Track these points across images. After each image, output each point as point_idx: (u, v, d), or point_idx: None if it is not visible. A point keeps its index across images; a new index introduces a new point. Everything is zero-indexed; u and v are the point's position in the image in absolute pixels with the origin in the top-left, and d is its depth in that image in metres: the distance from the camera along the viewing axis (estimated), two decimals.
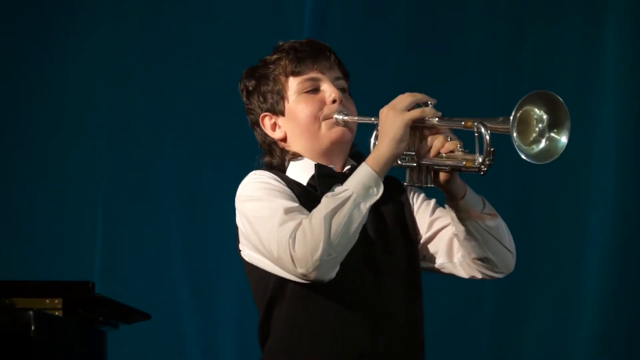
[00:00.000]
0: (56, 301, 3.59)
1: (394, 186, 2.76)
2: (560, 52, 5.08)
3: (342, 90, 2.81)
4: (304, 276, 2.57)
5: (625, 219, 4.96)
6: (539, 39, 5.10)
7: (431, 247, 2.80)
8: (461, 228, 2.68)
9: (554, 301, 5.00)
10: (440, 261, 2.79)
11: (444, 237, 2.78)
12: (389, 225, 2.75)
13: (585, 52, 5.06)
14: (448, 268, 2.79)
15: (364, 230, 2.66)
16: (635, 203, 4.96)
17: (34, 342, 3.40)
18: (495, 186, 4.77)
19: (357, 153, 2.83)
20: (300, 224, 2.57)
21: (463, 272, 2.77)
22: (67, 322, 3.62)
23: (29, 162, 5.11)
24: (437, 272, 2.82)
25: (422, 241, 2.80)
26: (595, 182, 5.00)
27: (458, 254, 2.76)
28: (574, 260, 4.99)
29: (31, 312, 3.41)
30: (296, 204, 2.65)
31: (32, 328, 3.40)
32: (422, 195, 2.83)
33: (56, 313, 3.57)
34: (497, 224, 2.70)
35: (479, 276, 2.76)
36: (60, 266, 5.01)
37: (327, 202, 2.57)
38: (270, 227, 2.60)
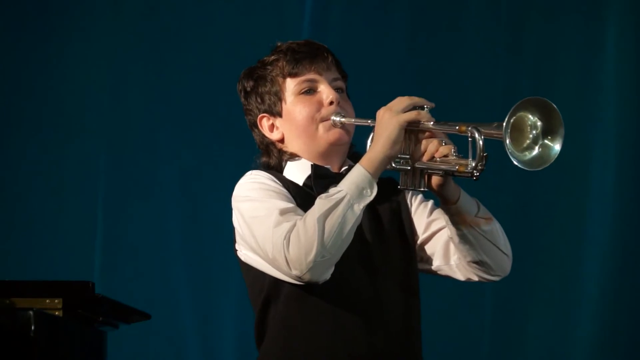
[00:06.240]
0: (56, 301, 3.59)
1: (392, 187, 2.75)
2: (560, 51, 5.08)
3: (339, 90, 2.80)
4: (298, 278, 2.57)
5: (625, 220, 4.96)
6: (539, 38, 5.09)
7: (428, 249, 2.79)
8: (455, 231, 2.68)
9: (555, 302, 5.00)
10: (436, 263, 2.79)
11: (440, 239, 2.77)
12: (386, 226, 2.75)
13: (585, 51, 5.06)
14: (444, 270, 2.79)
15: (360, 231, 2.67)
16: (635, 204, 4.96)
17: (34, 342, 3.40)
18: (495, 187, 4.78)
19: (356, 154, 2.81)
20: (294, 225, 2.57)
21: (459, 275, 2.77)
22: (67, 322, 3.62)
23: (28, 161, 5.11)
24: (434, 274, 2.81)
25: (419, 242, 2.79)
26: (595, 182, 4.99)
27: (454, 256, 2.75)
28: (574, 261, 4.99)
29: (31, 312, 3.41)
30: (292, 205, 2.65)
31: (32, 328, 3.40)
32: (420, 197, 2.83)
33: (56, 313, 3.58)
34: (492, 228, 2.69)
35: (475, 279, 2.75)
36: (60, 266, 5.01)
37: (321, 203, 2.57)
38: (266, 227, 2.60)
